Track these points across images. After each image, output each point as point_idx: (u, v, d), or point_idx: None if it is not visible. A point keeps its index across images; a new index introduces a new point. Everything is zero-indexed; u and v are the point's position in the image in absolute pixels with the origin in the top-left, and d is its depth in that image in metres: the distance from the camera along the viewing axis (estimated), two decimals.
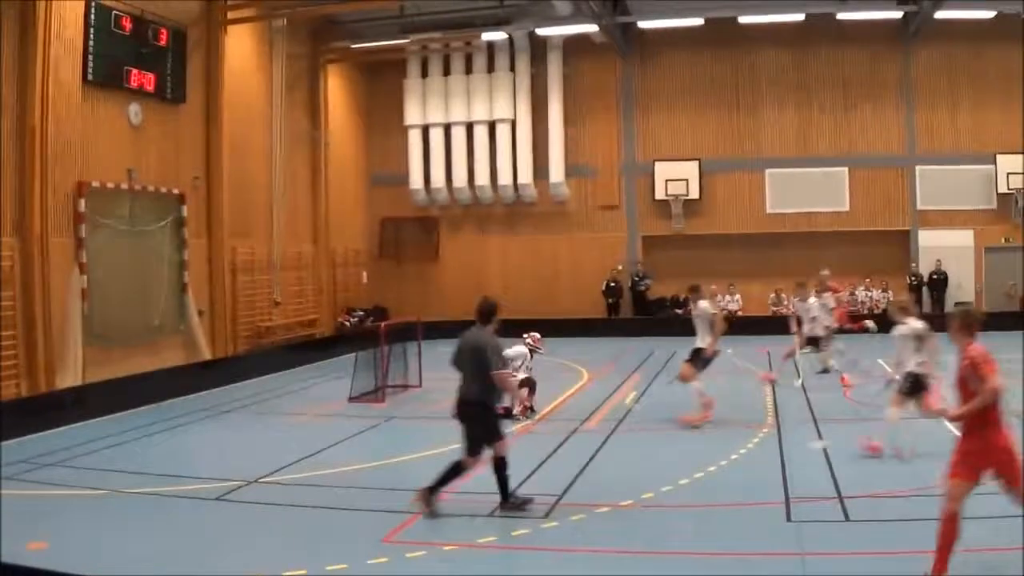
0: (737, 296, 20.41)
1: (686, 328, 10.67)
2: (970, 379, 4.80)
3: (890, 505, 6.70)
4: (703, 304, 10.22)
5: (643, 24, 20.46)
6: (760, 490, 7.19)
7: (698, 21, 19.95)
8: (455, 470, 6.73)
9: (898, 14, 19.76)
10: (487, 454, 6.80)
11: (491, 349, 6.70)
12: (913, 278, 20.35)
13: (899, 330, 8.43)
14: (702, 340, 10.00)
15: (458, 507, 6.89)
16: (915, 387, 8.17)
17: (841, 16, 19.50)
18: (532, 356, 11.04)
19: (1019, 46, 20.04)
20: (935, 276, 20.31)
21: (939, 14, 18.85)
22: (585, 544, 6.09)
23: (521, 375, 10.58)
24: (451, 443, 7.98)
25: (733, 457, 8.42)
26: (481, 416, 6.75)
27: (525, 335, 11.16)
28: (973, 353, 4.82)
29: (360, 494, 7.32)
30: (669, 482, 7.49)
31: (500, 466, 6.74)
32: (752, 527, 6.27)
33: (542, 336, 11.33)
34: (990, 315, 14.60)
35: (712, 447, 8.77)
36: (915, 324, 8.39)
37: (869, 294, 20.31)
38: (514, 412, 10.41)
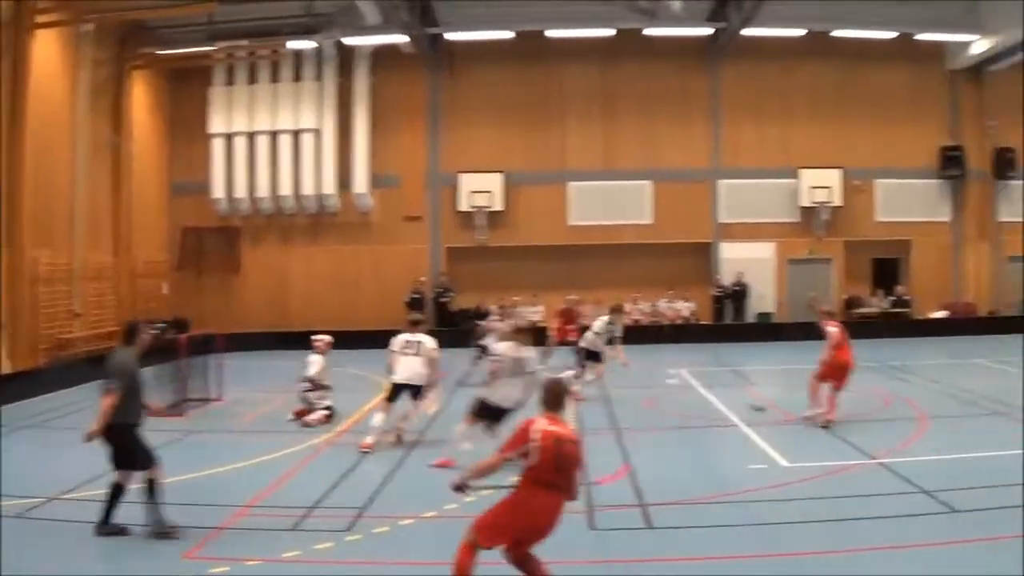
0: (540, 307, 28.77)
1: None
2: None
3: (693, 512, 9.54)
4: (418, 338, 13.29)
5: (452, 36, 29.06)
6: None
7: (508, 34, 28.66)
8: (115, 492, 8.89)
9: (707, 31, 28.85)
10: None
11: (115, 370, 8.84)
12: (717, 289, 29.64)
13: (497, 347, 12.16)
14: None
15: (261, 521, 9.12)
16: (481, 412, 11.31)
17: (649, 32, 28.25)
18: (325, 357, 15.12)
19: (828, 63, 29.68)
20: (736, 288, 29.58)
21: (747, 31, 27.87)
22: (390, 556, 8.11)
23: (325, 402, 14.91)
24: (252, 457, 11.82)
25: None
26: (115, 437, 8.79)
27: (314, 339, 15.33)
28: (532, 425, 6.79)
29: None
30: (472, 492, 9.34)
31: (115, 491, 8.87)
32: (556, 535, 7.76)
33: (334, 344, 15.51)
34: (792, 325, 24.02)
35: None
36: (518, 352, 11.42)
37: (672, 306, 29.54)
38: (309, 421, 14.50)
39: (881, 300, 30.17)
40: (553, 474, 6.74)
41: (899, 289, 30.23)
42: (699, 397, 17.89)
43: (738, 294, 29.69)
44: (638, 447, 12.95)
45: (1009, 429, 13.98)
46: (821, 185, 29.62)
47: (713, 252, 30.02)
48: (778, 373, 22.07)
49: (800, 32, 28.88)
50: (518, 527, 6.82)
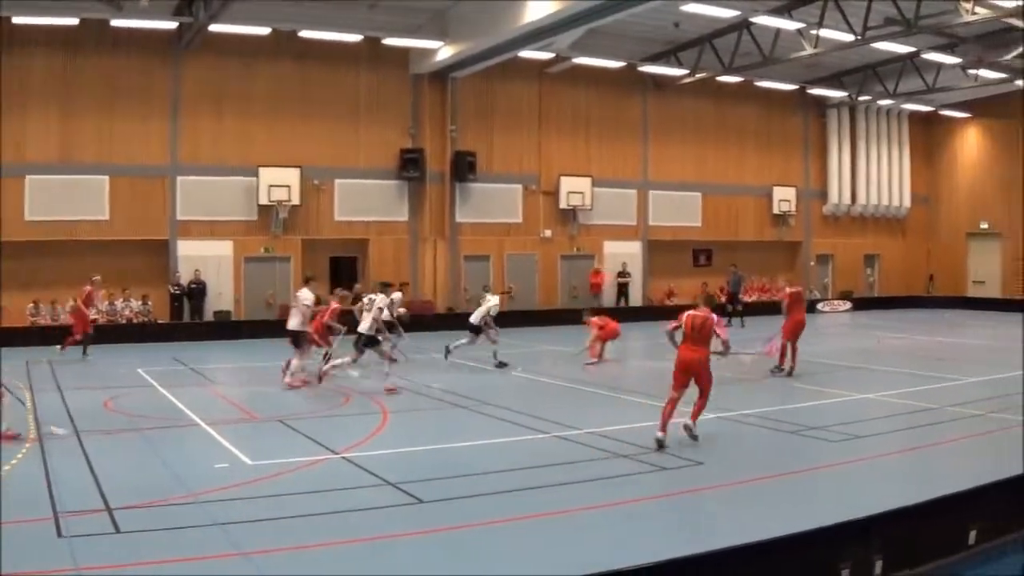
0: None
1: None
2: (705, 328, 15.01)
3: (159, 514, 11.02)
4: None
5: None
6: (28, 506, 10.98)
7: None
8: None
9: (172, 24, 34.10)
10: None
11: None
12: (175, 288, 35.78)
13: None
14: None
15: None
16: None
17: (116, 23, 32.98)
18: None
19: (293, 62, 37.79)
20: (194, 285, 35.66)
21: (213, 27, 33.16)
22: None
23: None
24: None
25: None
26: None
27: None
28: (696, 312, 15.36)
29: None
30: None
31: None
32: (24, 545, 9.43)
33: None
34: (250, 323, 32.46)
35: None
36: None
37: (128, 304, 36.74)
38: None
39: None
40: (690, 336, 15.25)
41: (357, 287, 37.81)
42: (160, 396, 20.39)
43: (196, 292, 35.76)
44: (100, 450, 14.55)
45: (468, 420, 17.93)
46: (280, 184, 36.43)
47: (172, 249, 35.91)
48: (238, 371, 26.61)
49: (266, 30, 34.79)
50: (680, 371, 15.22)
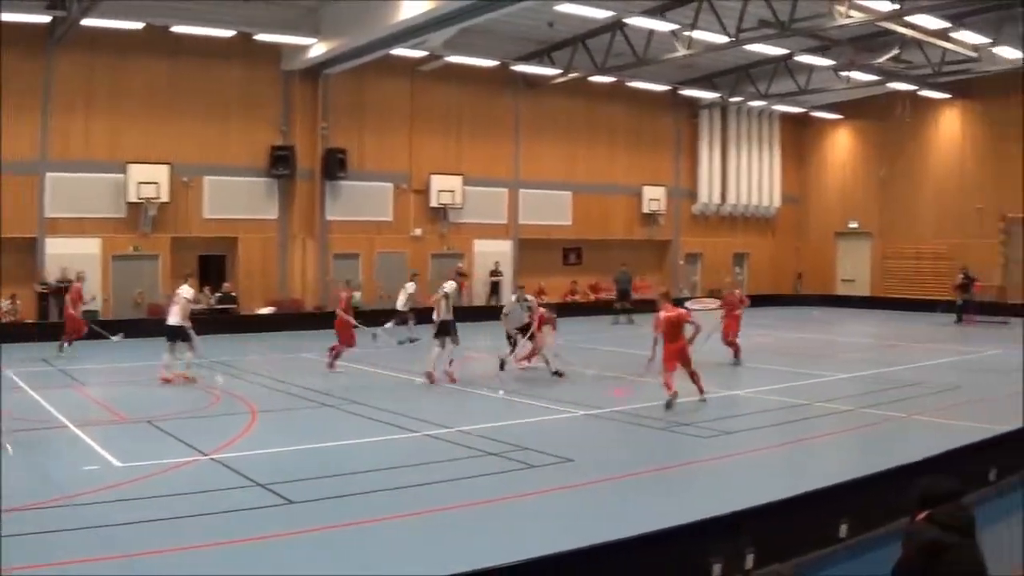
0: None
1: None
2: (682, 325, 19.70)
3: (30, 518, 11.31)
4: None
5: None
6: None
7: None
8: None
9: (45, 18, 34.73)
10: None
11: None
12: (42, 287, 36.68)
13: None
14: None
15: None
16: None
17: None
18: None
19: (164, 58, 38.87)
20: (62, 284, 36.72)
21: (86, 21, 34.04)
22: None
23: None
24: None
25: None
26: None
27: None
28: (669, 313, 19.82)
29: None
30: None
31: None
32: None
33: None
34: (118, 322, 33.56)
35: None
36: None
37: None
38: None
39: (208, 297, 38.57)
40: (671, 332, 19.45)
41: (226, 286, 38.85)
42: (27, 398, 20.73)
43: (61, 291, 35.84)
44: None
45: (338, 420, 18.80)
46: (149, 181, 37.49)
47: (40, 248, 36.81)
48: (105, 371, 26.92)
49: (139, 25, 35.73)
50: (669, 359, 19.30)
